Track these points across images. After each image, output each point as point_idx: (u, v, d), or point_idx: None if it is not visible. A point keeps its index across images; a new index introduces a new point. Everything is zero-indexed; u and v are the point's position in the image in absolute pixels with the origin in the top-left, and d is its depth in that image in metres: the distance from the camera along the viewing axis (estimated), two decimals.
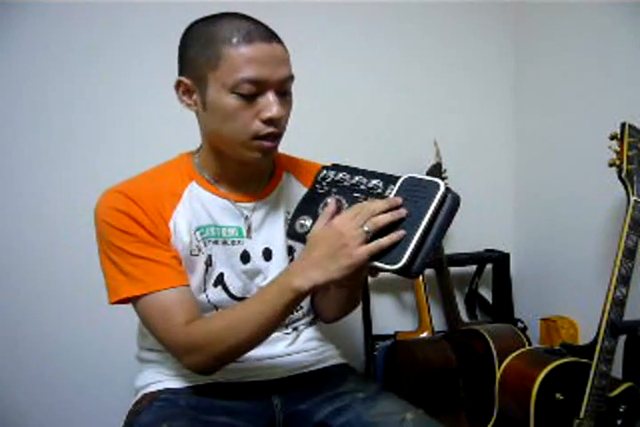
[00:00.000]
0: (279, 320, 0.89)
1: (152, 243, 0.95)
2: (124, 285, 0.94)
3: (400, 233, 0.79)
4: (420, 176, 0.83)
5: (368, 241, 0.80)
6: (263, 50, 0.89)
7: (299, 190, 1.07)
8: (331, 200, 0.87)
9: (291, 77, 0.94)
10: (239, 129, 0.92)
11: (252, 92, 0.90)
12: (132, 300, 0.95)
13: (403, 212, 0.80)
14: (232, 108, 0.91)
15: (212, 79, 0.91)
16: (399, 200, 0.82)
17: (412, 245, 0.78)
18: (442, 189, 0.80)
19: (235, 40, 0.89)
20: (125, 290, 0.93)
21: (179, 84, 0.96)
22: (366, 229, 0.79)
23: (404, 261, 0.78)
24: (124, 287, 0.94)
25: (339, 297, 1.09)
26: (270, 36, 0.92)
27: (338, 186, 0.91)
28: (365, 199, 0.86)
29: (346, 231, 0.80)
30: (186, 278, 0.97)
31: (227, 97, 0.90)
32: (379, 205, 0.81)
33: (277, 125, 0.93)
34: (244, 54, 0.88)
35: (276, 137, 0.95)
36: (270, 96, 0.91)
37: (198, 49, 0.92)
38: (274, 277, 0.90)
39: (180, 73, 0.97)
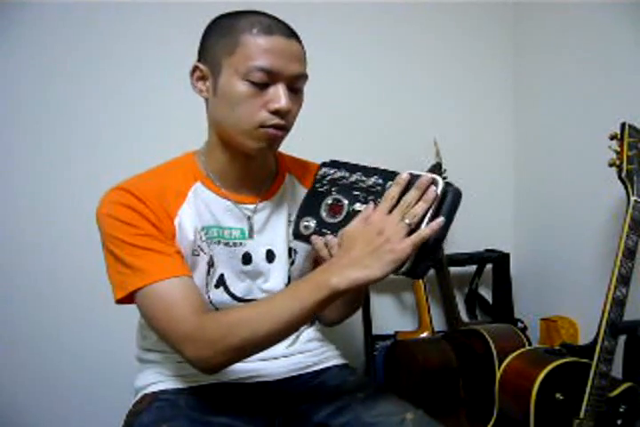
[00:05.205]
0: (304, 319, 0.84)
1: (156, 236, 0.92)
2: (129, 277, 0.90)
3: (439, 221, 0.77)
4: (417, 172, 0.81)
5: (408, 234, 0.77)
6: (281, 43, 0.90)
7: (300, 192, 1.07)
8: (370, 205, 0.83)
9: (303, 76, 0.94)
10: (245, 116, 0.92)
11: (263, 81, 0.90)
12: (136, 293, 0.90)
13: (432, 192, 0.78)
14: (242, 94, 0.91)
15: (227, 65, 0.92)
16: (425, 182, 0.79)
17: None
18: (440, 185, 0.78)
19: (255, 30, 0.90)
20: (131, 282, 0.89)
21: (194, 70, 0.97)
22: (407, 221, 0.77)
23: (407, 263, 0.77)
24: (130, 280, 0.90)
25: (342, 300, 1.08)
26: (290, 33, 0.93)
27: (337, 184, 0.90)
28: (365, 198, 0.86)
29: (386, 226, 0.78)
30: (189, 271, 0.94)
31: (238, 83, 0.91)
32: (412, 195, 0.79)
33: (283, 118, 0.92)
34: (262, 44, 0.89)
35: (282, 128, 0.94)
36: (281, 88, 0.91)
37: (218, 37, 0.94)
38: (307, 275, 0.86)
39: (198, 60, 0.98)
